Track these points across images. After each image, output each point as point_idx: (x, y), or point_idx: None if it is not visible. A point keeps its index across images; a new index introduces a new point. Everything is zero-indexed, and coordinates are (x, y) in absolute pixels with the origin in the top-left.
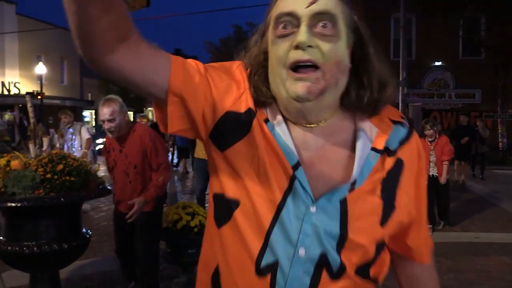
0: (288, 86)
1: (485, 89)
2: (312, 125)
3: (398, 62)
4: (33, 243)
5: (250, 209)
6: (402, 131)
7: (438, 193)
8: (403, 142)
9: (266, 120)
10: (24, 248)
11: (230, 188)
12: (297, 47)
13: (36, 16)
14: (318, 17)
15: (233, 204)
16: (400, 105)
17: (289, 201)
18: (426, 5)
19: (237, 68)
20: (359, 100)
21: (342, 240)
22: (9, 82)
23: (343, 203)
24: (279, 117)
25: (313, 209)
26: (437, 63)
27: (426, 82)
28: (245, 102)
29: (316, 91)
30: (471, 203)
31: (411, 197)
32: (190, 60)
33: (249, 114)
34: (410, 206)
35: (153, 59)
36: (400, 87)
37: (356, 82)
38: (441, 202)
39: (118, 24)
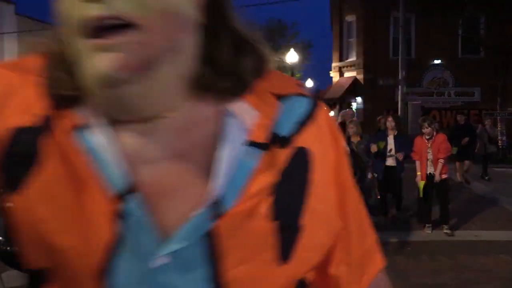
0: (87, 63)
1: (484, 87)
2: (150, 122)
3: (398, 61)
4: None
5: (66, 281)
6: (301, 106)
7: (436, 193)
8: (304, 122)
9: (78, 128)
10: None
11: (32, 252)
12: None
13: (36, 16)
14: None
15: (38, 278)
16: (399, 103)
17: (122, 256)
18: (425, 5)
19: (35, 57)
20: (217, 70)
21: None
22: None
23: (210, 240)
24: (97, 119)
25: (163, 260)
26: (436, 62)
27: (425, 81)
28: (35, 107)
29: (133, 64)
30: (471, 201)
31: (330, 202)
32: None
33: (40, 127)
34: (331, 217)
35: None
36: (400, 86)
37: (213, 46)
38: (440, 202)
39: None
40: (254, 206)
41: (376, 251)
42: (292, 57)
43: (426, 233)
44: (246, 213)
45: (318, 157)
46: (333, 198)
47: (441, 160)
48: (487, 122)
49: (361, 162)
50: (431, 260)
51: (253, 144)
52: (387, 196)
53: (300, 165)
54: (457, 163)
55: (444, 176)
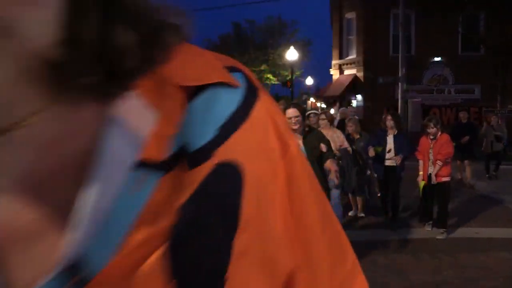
0: None
1: (484, 84)
2: None
3: (398, 59)
4: None
5: None
6: (228, 101)
7: (436, 195)
8: (231, 123)
9: None
10: None
11: None
12: None
13: None
14: None
15: None
16: (399, 101)
17: None
18: (425, 4)
19: None
20: (81, 55)
21: None
22: None
23: None
24: None
25: None
26: (436, 59)
27: (425, 78)
28: None
29: None
30: (471, 199)
31: (274, 235)
32: None
33: None
34: (274, 256)
35: None
36: (400, 84)
37: (74, 18)
38: (437, 204)
39: None
40: (138, 262)
41: (357, 272)
42: (292, 55)
43: (426, 231)
44: (125, 273)
45: (254, 172)
46: (280, 228)
47: (439, 162)
48: (493, 119)
49: (360, 159)
50: (431, 258)
51: (145, 165)
52: (387, 195)
53: (221, 189)
54: (458, 162)
55: (444, 179)
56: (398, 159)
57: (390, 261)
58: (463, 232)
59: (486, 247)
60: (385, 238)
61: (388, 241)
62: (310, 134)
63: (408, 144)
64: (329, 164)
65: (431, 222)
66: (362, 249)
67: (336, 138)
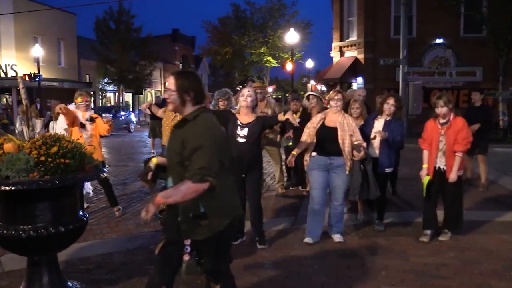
0: None
1: (486, 66)
2: None
3: (399, 40)
4: (30, 226)
5: None
6: None
7: (446, 193)
8: None
9: None
10: (21, 232)
11: None
12: None
13: None
14: None
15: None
16: (400, 83)
17: None
18: None
19: None
20: None
21: None
22: (6, 65)
23: None
24: None
25: None
26: (438, 41)
27: (426, 60)
28: None
29: None
30: (472, 181)
31: None
32: None
33: None
34: None
35: None
36: (401, 66)
37: None
38: (450, 205)
39: None
40: None
41: None
42: (292, 37)
43: None
44: None
45: None
46: None
47: (459, 154)
48: None
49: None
50: (431, 240)
51: None
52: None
53: None
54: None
55: (458, 173)
56: (380, 134)
57: (391, 243)
58: (464, 214)
59: (487, 229)
60: (386, 220)
61: (389, 223)
62: (183, 125)
63: (400, 134)
64: None
65: (429, 231)
66: (362, 231)
67: (346, 127)
